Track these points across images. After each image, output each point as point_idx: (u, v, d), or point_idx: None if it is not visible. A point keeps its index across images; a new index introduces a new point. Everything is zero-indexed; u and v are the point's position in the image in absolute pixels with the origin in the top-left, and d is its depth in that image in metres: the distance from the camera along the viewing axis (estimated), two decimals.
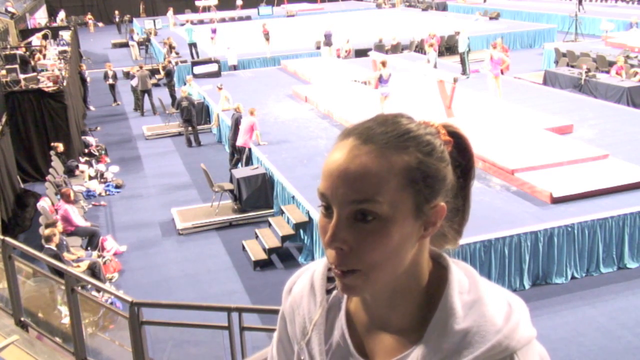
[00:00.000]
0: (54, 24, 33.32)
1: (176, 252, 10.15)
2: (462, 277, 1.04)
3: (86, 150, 15.10)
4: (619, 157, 10.13)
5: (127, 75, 22.61)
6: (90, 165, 14.01)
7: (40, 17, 35.71)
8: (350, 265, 0.96)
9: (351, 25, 29.45)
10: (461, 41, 18.73)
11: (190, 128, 15.65)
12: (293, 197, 10.03)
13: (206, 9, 39.06)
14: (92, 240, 9.92)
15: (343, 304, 1.14)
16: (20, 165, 13.49)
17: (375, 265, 0.96)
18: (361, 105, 13.82)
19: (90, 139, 15.83)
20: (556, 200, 8.75)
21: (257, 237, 9.91)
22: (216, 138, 16.03)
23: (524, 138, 11.16)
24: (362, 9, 40.56)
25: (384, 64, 13.28)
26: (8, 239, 5.61)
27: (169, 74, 19.85)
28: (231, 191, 11.27)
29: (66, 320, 5.48)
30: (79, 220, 10.15)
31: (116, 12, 39.41)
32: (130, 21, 37.24)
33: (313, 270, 1.19)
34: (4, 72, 14.27)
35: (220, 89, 15.60)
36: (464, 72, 18.02)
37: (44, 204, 10.36)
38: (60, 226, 9.05)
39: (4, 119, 12.68)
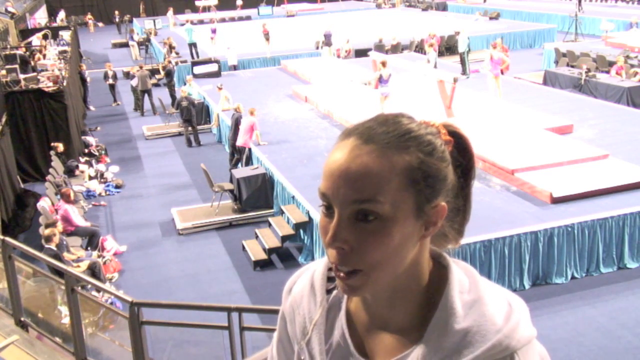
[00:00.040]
0: (54, 24, 33.33)
1: (176, 252, 10.15)
2: (462, 276, 1.04)
3: (86, 150, 15.11)
4: (619, 157, 10.13)
5: (127, 75, 22.61)
6: (90, 165, 14.01)
7: (40, 17, 35.72)
8: (352, 265, 0.96)
9: (351, 25, 29.46)
10: (461, 41, 18.74)
11: (190, 128, 15.66)
12: (293, 197, 10.03)
13: (206, 9, 39.07)
14: (92, 240, 9.92)
15: (343, 303, 1.14)
16: (20, 165, 13.49)
17: (376, 265, 0.96)
18: (361, 105, 13.82)
19: (90, 139, 15.83)
20: (556, 200, 8.75)
21: (257, 237, 9.91)
22: (216, 138, 16.04)
23: (524, 138, 11.16)
24: (362, 9, 40.56)
25: (384, 64, 13.29)
26: (8, 239, 5.61)
27: (169, 74, 19.85)
28: (231, 191, 11.27)
29: (66, 320, 5.48)
30: (79, 220, 10.15)
31: (116, 12, 39.43)
32: (130, 21, 37.25)
33: (313, 270, 1.20)
34: (4, 72, 14.27)
35: (220, 89, 15.60)
36: (464, 72, 18.03)
37: (44, 204, 10.36)
38: (60, 226, 9.05)
39: (4, 119, 12.68)
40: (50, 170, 12.10)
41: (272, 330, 1.29)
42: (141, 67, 19.44)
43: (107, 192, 12.85)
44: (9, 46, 20.08)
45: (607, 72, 17.12)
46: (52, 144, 13.24)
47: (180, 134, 16.28)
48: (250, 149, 12.42)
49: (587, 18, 27.01)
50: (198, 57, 23.15)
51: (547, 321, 7.38)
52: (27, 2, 31.62)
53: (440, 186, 0.99)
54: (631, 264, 8.52)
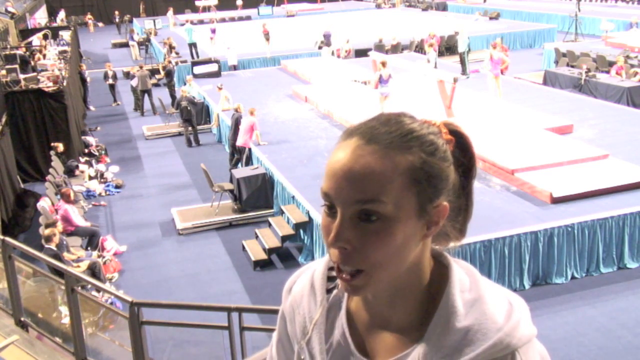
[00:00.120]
0: (54, 24, 33.32)
1: (176, 252, 10.15)
2: (463, 275, 1.04)
3: (86, 150, 15.10)
4: (619, 157, 10.13)
5: (127, 75, 22.61)
6: (90, 165, 14.00)
7: (40, 17, 35.71)
8: (354, 264, 0.97)
9: (351, 25, 29.46)
10: (461, 41, 18.74)
11: (190, 128, 15.66)
12: (293, 197, 10.03)
13: (206, 9, 39.07)
14: (92, 240, 9.92)
15: (343, 303, 1.14)
16: (20, 165, 13.48)
17: (378, 265, 0.96)
18: (361, 105, 13.82)
19: (90, 139, 15.83)
20: (556, 200, 8.75)
21: (257, 237, 9.91)
22: (216, 138, 16.04)
23: (524, 138, 11.16)
24: (362, 9, 40.56)
25: (384, 64, 13.29)
26: (8, 239, 5.61)
27: (169, 74, 19.86)
28: (231, 191, 11.27)
29: (66, 320, 5.48)
30: (79, 220, 10.15)
31: (116, 12, 39.42)
32: (130, 21, 37.24)
33: (313, 270, 1.20)
34: (4, 72, 14.27)
35: (220, 89, 15.61)
36: (463, 72, 18.02)
37: (44, 204, 10.36)
38: (60, 226, 9.05)
39: (4, 119, 12.68)
40: (50, 170, 12.10)
41: (272, 330, 1.29)
42: (141, 67, 19.44)
43: (107, 192, 12.85)
44: (9, 46, 20.07)
45: (607, 72, 17.12)
46: (52, 144, 13.24)
47: (180, 134, 16.28)
48: (250, 149, 12.42)
49: (587, 18, 27.00)
50: (198, 57, 23.15)
51: (547, 321, 7.38)
52: (27, 2, 31.61)
53: (443, 186, 0.99)
54: (631, 264, 8.52)
